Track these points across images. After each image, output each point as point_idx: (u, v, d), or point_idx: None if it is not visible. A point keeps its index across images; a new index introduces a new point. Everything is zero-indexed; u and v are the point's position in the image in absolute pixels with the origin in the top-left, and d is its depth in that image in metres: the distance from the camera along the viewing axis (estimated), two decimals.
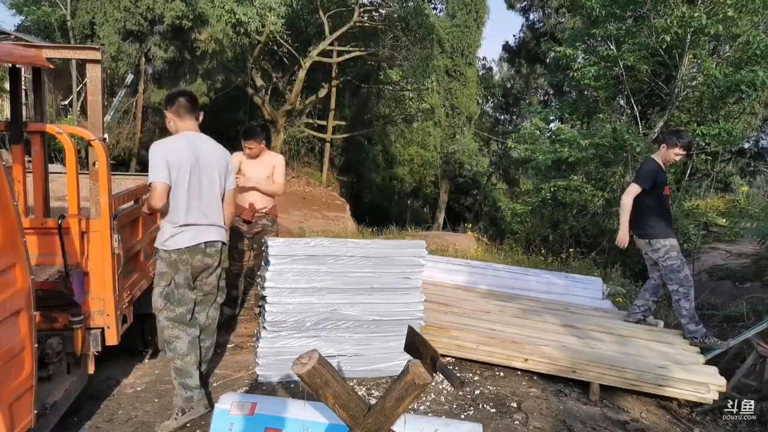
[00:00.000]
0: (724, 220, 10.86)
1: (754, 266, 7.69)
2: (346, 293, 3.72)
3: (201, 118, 3.37)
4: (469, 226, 15.36)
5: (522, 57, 25.95)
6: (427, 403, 3.53)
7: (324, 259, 3.68)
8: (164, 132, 17.58)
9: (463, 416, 3.38)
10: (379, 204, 22.09)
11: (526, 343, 4.18)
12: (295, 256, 3.63)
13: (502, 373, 4.07)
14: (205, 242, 3.23)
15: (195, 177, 3.18)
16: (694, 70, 10.35)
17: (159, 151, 3.12)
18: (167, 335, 3.23)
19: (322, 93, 19.09)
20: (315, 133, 20.38)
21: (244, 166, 4.77)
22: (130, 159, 14.29)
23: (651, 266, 4.94)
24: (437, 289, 5.50)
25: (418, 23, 16.51)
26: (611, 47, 10.84)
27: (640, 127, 10.88)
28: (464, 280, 5.98)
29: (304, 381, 1.77)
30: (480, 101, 24.86)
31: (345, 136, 21.04)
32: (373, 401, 2.15)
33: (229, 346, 4.48)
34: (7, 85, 6.74)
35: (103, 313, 3.13)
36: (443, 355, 4.11)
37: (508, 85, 28.24)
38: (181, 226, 3.16)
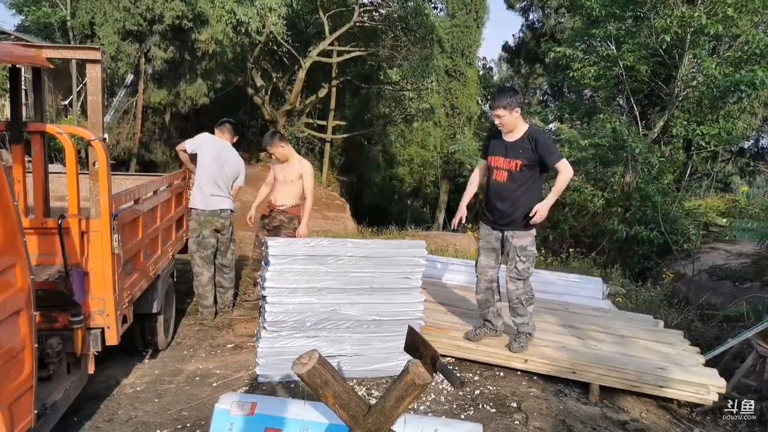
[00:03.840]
0: (724, 220, 10.86)
1: (754, 266, 7.69)
2: (346, 293, 3.72)
3: (235, 140, 5.16)
4: (469, 226, 15.35)
5: (521, 57, 25.94)
6: (427, 403, 3.53)
7: (324, 259, 3.68)
8: (164, 132, 17.47)
9: (463, 416, 3.38)
10: (379, 204, 22.07)
11: None
12: (295, 256, 3.63)
13: (502, 374, 4.07)
14: (220, 209, 4.89)
15: (217, 165, 4.87)
16: (694, 70, 10.35)
17: (198, 136, 5.01)
18: (196, 270, 4.91)
19: (322, 93, 19.08)
20: (315, 133, 20.36)
21: (275, 168, 5.27)
22: (130, 159, 14.26)
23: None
24: (437, 289, 5.50)
25: (418, 23, 16.50)
26: (611, 47, 10.84)
27: (640, 127, 10.89)
28: (464, 280, 5.97)
29: (304, 381, 1.77)
30: (480, 101, 24.83)
31: (345, 136, 21.02)
32: (373, 401, 2.15)
33: (229, 346, 4.48)
34: (7, 85, 6.75)
35: (103, 313, 3.12)
36: (443, 356, 4.11)
37: (508, 85, 28.22)
38: (208, 195, 4.84)
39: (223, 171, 4.91)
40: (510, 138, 3.87)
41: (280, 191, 5.18)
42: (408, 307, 3.86)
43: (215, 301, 5.10)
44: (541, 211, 3.73)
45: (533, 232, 3.90)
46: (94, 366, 3.22)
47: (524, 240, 3.88)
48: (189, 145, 4.93)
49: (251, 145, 17.68)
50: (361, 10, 16.87)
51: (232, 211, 5.04)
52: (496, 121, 3.85)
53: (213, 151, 4.91)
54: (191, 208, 4.92)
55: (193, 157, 4.96)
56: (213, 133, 5.14)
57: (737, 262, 8.04)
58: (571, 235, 10.60)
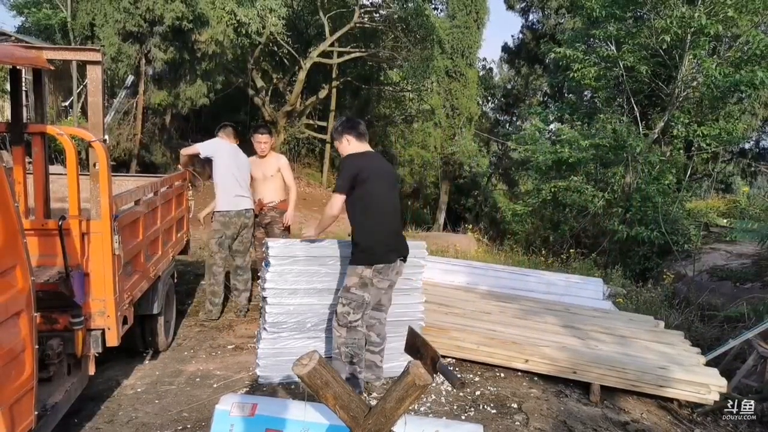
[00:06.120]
0: (724, 221, 10.86)
1: (755, 267, 7.68)
2: None
3: (238, 141, 5.23)
4: (470, 226, 15.35)
5: (521, 58, 25.92)
6: (428, 404, 3.53)
7: (324, 260, 3.68)
8: (164, 133, 17.43)
9: (463, 417, 3.38)
10: None
11: (526, 344, 4.18)
12: (296, 257, 3.63)
13: (502, 374, 4.07)
14: (245, 209, 5.01)
15: (237, 167, 5.00)
16: (694, 70, 10.35)
17: (212, 141, 5.09)
18: (214, 270, 4.99)
19: (323, 94, 19.09)
20: (315, 134, 20.37)
21: (252, 166, 5.33)
22: (130, 160, 14.25)
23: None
24: (438, 290, 5.50)
25: (418, 24, 16.50)
26: (611, 48, 10.84)
27: (640, 127, 10.89)
28: (464, 281, 5.98)
29: (305, 382, 1.76)
30: (480, 102, 24.83)
31: None
32: (373, 402, 2.15)
33: (229, 347, 4.48)
34: (7, 87, 6.76)
35: (104, 314, 3.12)
36: (444, 356, 4.10)
37: (508, 86, 28.20)
38: (233, 197, 4.95)
39: (241, 172, 5.04)
40: None
41: (264, 188, 5.32)
42: (408, 308, 3.86)
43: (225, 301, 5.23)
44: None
45: (358, 270, 3.35)
46: (94, 367, 3.21)
47: (349, 279, 3.40)
48: (204, 149, 5.00)
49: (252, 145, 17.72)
50: (362, 11, 16.89)
51: (252, 210, 5.16)
52: None
53: (231, 154, 5.05)
54: (216, 211, 5.00)
55: (200, 161, 5.09)
56: (215, 136, 5.19)
57: (738, 262, 8.04)
58: (571, 235, 10.60)
